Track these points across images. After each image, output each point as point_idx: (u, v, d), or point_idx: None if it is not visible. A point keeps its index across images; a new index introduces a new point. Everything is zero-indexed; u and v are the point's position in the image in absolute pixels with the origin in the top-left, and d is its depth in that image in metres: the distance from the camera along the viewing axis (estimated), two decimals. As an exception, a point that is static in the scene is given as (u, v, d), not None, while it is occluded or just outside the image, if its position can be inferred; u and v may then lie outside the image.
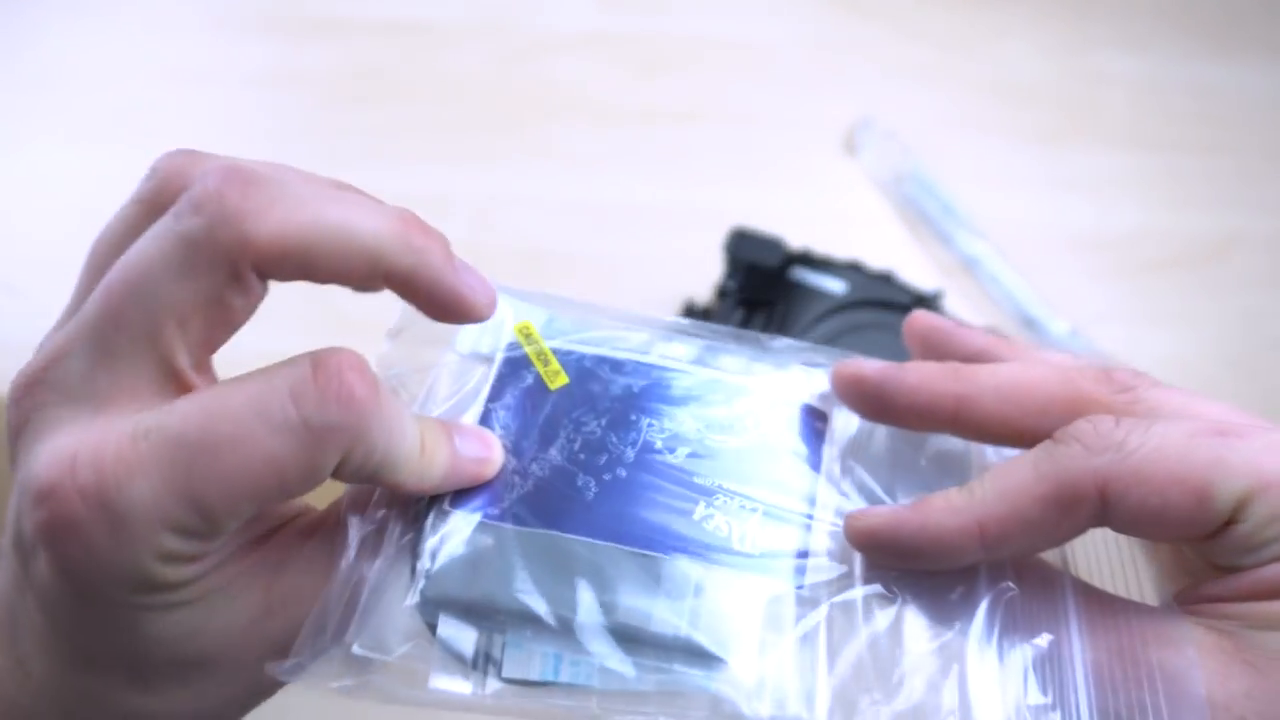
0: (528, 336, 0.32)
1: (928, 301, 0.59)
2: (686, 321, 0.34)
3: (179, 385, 0.26)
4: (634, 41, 0.75)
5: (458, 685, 0.27)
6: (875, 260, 0.60)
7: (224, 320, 0.26)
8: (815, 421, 0.31)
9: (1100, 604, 0.28)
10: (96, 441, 0.25)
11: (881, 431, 0.32)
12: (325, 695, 0.27)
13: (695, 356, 0.32)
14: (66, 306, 0.28)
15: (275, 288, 0.27)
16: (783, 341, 0.33)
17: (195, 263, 0.25)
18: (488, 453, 0.29)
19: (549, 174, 0.70)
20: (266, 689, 0.29)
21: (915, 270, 0.62)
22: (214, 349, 0.27)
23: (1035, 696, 0.26)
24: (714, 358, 0.32)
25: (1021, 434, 0.29)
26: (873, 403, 0.31)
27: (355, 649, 0.27)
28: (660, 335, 0.33)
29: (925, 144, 0.71)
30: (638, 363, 0.32)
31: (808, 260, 0.60)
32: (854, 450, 0.31)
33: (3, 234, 0.65)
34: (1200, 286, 0.68)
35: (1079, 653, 0.27)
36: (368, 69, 0.73)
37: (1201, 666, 0.26)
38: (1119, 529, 0.27)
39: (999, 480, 0.27)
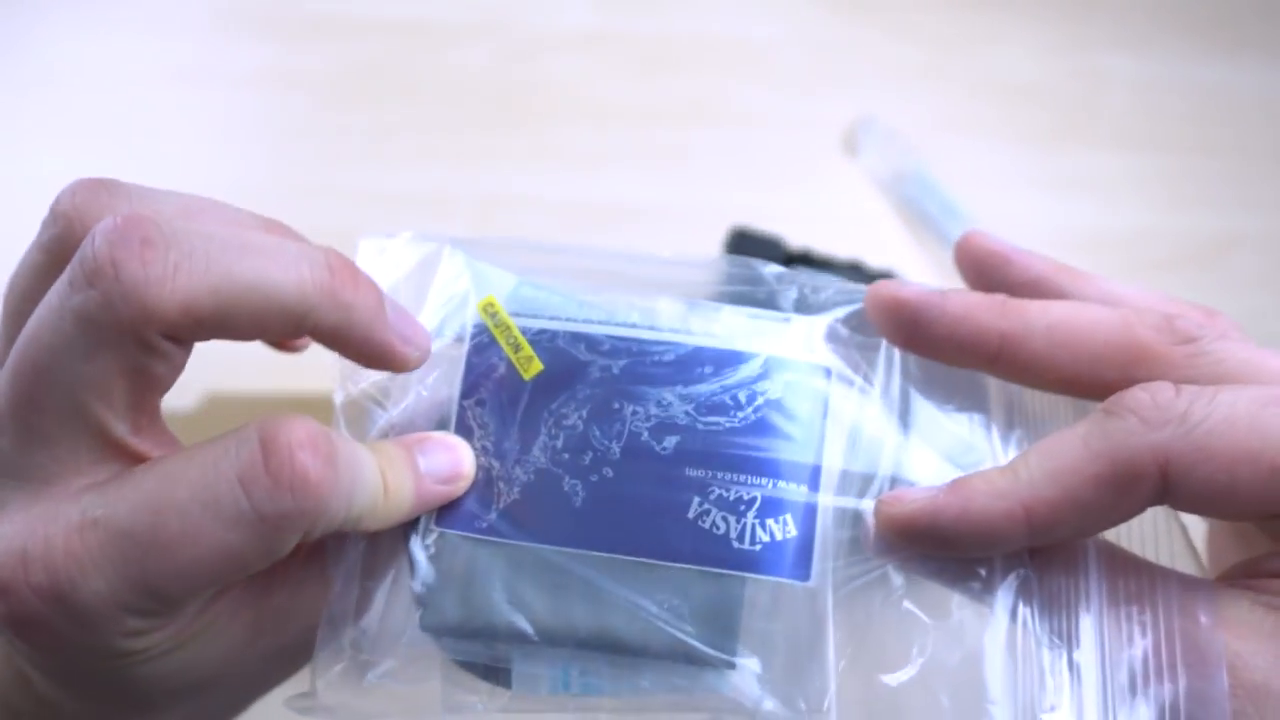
0: (493, 315, 0.29)
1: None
2: (669, 258, 0.31)
3: (121, 454, 0.25)
4: (634, 41, 0.75)
5: (470, 704, 0.27)
6: (875, 260, 0.60)
7: (149, 386, 0.25)
8: (815, 381, 0.29)
9: (1125, 573, 0.26)
10: (45, 533, 0.24)
11: (894, 383, 0.29)
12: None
13: (679, 320, 0.29)
14: None
15: None
16: (782, 273, 0.30)
17: (99, 341, 0.23)
18: (457, 468, 0.27)
19: (549, 174, 0.70)
20: (275, 681, 0.29)
21: (915, 270, 0.62)
22: (150, 410, 0.25)
23: (1052, 680, 0.25)
24: (700, 316, 0.29)
25: (1069, 382, 0.27)
26: (908, 329, 0.28)
27: (368, 679, 0.27)
28: (639, 293, 0.30)
29: (925, 144, 0.71)
30: (615, 337, 0.29)
31: (808, 260, 0.60)
32: (861, 409, 0.29)
33: (2, 233, 0.65)
34: (1199, 286, 0.68)
35: (1099, 632, 0.25)
36: (368, 69, 0.73)
37: (1260, 653, 0.23)
38: (1182, 508, 0.25)
39: (1046, 459, 0.25)
